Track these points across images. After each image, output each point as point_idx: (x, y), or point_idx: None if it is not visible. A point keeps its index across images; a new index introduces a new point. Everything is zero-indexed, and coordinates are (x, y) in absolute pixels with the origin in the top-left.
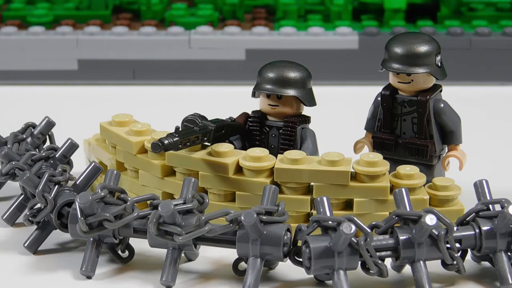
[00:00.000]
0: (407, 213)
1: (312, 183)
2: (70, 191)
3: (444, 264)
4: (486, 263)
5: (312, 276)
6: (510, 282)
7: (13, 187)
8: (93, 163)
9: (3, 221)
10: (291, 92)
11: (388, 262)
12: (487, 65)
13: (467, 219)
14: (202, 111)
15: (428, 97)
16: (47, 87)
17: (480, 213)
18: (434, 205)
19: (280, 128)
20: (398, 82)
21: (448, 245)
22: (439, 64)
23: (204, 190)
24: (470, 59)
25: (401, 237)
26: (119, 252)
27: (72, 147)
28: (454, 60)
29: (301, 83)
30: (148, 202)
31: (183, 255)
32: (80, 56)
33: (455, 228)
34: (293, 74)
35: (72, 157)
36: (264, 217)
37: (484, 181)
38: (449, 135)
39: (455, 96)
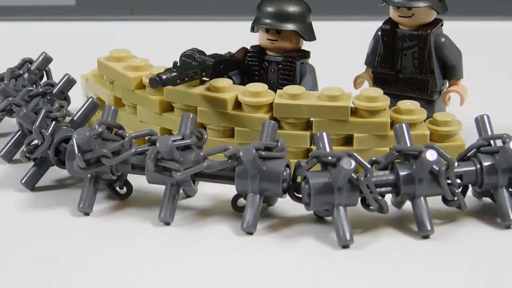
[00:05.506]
0: (408, 149)
1: (311, 119)
2: (68, 127)
3: (445, 200)
4: (487, 199)
5: (311, 212)
6: (511, 218)
7: (10, 123)
8: (91, 99)
9: (0, 158)
10: (290, 26)
11: (388, 198)
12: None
13: (468, 154)
14: (200, 46)
15: (429, 31)
16: (45, 22)
17: (481, 149)
18: (434, 141)
19: (279, 63)
20: (399, 16)
21: (449, 181)
22: None
23: (203, 126)
24: None
25: (402, 173)
26: (117, 188)
27: (70, 82)
28: None
29: (301, 18)
30: (146, 138)
31: (181, 191)
32: None
33: (456, 164)
34: (292, 9)
35: (69, 93)
36: (263, 153)
37: (485, 116)
38: (450, 70)
39: (456, 30)
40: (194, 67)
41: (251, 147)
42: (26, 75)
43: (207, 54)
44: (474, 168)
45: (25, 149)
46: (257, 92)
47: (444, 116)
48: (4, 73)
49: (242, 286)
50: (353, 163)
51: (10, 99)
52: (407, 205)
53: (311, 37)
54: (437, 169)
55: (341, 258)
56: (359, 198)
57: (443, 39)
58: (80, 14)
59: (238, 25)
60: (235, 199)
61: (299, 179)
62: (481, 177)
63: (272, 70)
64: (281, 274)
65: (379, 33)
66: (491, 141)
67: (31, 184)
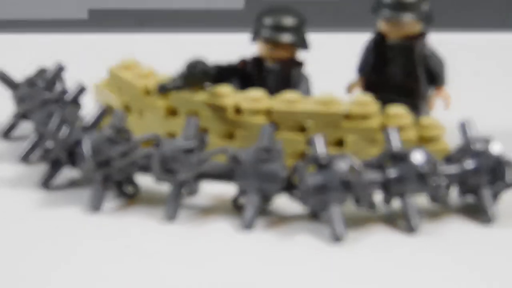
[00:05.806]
0: (397, 151)
1: (307, 123)
2: (79, 131)
3: (431, 199)
4: (470, 198)
5: (307, 210)
6: (492, 215)
7: (26, 127)
8: (101, 105)
9: (18, 160)
10: (287, 37)
11: (379, 196)
12: (471, 13)
13: (453, 156)
14: (203, 56)
15: (415, 42)
16: (59, 34)
17: (465, 151)
18: (421, 143)
19: (276, 71)
20: (388, 28)
21: (435, 181)
22: (427, 11)
23: (205, 129)
24: (455, 6)
25: (391, 173)
26: (125, 188)
27: (82, 90)
28: (441, 7)
29: (297, 29)
30: (152, 141)
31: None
32: (90, 6)
33: (441, 165)
34: (289, 21)
35: (81, 99)
36: (262, 155)
37: (468, 120)
38: (435, 78)
39: (441, 41)
40: (197, 75)
41: (250, 149)
42: (41, 83)
43: (210, 63)
44: (458, 169)
45: (40, 152)
46: (256, 98)
47: (429, 120)
48: (22, 81)
49: (242, 280)
50: (346, 164)
51: (26, 105)
52: (397, 203)
53: (306, 46)
54: (423, 169)
55: (335, 253)
56: (352, 197)
57: (428, 49)
58: (92, 26)
59: (238, 37)
60: (235, 198)
61: (296, 179)
62: (465, 177)
63: (270, 78)
64: (279, 268)
65: (370, 43)
66: (474, 144)
67: (46, 184)
